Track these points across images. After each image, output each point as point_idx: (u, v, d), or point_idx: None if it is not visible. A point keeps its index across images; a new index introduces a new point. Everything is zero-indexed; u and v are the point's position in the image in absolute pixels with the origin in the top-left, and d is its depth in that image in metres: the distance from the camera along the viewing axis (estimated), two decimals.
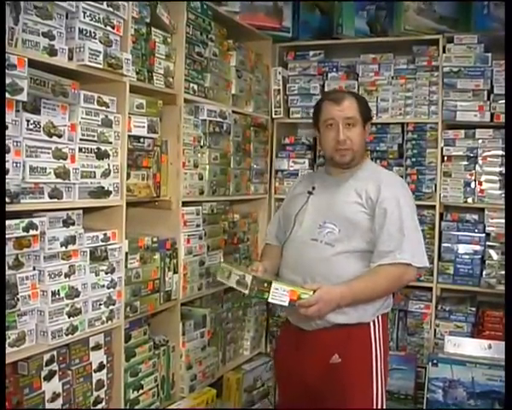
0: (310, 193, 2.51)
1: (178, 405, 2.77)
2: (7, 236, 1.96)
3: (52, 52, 2.13)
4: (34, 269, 2.14)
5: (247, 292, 2.15)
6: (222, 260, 3.35)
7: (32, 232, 2.06)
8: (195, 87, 3.09)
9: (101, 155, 2.39)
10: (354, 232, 2.35)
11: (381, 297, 2.36)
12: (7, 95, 1.90)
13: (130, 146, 2.59)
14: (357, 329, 2.33)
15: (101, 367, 2.47)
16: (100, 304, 2.41)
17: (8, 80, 1.89)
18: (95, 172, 2.36)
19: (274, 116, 3.95)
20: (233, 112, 3.44)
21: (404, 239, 2.28)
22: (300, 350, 2.39)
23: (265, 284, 2.12)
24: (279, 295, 2.12)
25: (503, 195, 3.39)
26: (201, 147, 3.16)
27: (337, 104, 2.42)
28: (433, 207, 3.62)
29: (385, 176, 2.47)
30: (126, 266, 2.59)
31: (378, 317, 2.37)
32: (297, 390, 2.45)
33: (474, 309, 3.54)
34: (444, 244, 3.60)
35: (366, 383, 2.33)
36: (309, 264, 2.38)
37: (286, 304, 2.14)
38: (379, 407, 2.33)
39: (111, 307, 2.46)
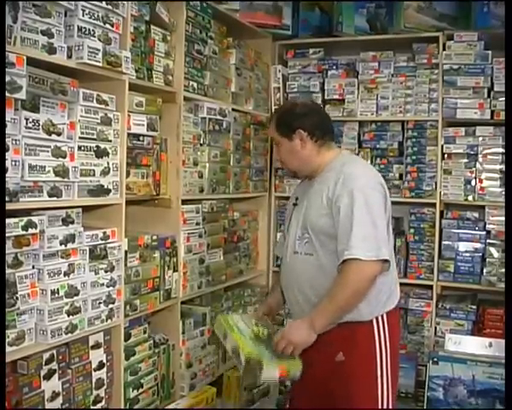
0: (294, 205, 2.51)
1: (178, 403, 2.76)
2: (6, 234, 1.95)
3: (51, 50, 2.12)
4: (33, 268, 2.14)
5: (241, 371, 2.26)
6: (221, 258, 3.35)
7: (31, 231, 2.05)
8: (195, 85, 3.08)
9: (101, 154, 2.39)
10: (325, 237, 2.30)
11: (355, 300, 2.24)
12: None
13: (129, 144, 2.59)
14: (359, 327, 2.31)
15: (100, 366, 2.47)
16: (99, 303, 2.40)
17: (6, 78, 1.88)
18: (94, 171, 2.35)
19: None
20: (233, 110, 3.44)
21: (351, 234, 2.18)
22: (307, 349, 2.38)
23: (258, 365, 2.17)
24: (270, 373, 2.18)
25: (504, 192, 3.39)
26: (201, 145, 3.15)
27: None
28: (434, 204, 3.61)
29: (345, 170, 2.32)
30: (126, 265, 2.59)
31: (383, 315, 2.36)
32: (306, 388, 2.45)
33: (474, 307, 3.54)
34: (444, 242, 3.60)
35: (371, 382, 2.31)
36: (296, 277, 2.39)
37: (277, 380, 2.36)
38: (384, 405, 2.32)
39: (110, 306, 2.46)
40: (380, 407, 2.32)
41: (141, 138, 2.69)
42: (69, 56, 2.21)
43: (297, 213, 2.46)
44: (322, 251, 2.31)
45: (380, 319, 2.35)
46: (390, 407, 2.34)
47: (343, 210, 2.22)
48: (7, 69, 1.88)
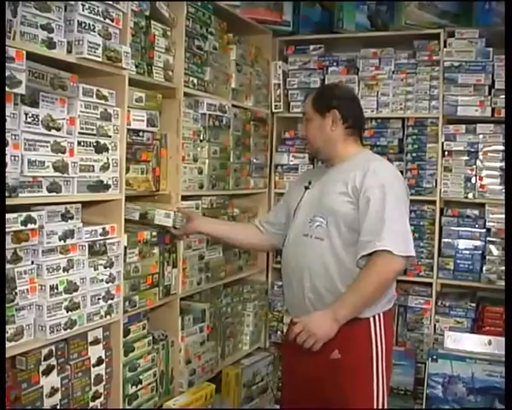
0: (306, 188, 2.51)
1: (177, 400, 2.75)
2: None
3: (51, 45, 2.11)
4: (32, 263, 2.13)
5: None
6: (221, 254, 3.35)
7: (30, 226, 2.04)
8: (195, 81, 3.07)
9: (100, 149, 2.38)
10: (342, 224, 2.32)
11: (379, 293, 2.28)
12: None
13: (129, 140, 2.58)
14: (356, 325, 2.31)
15: (99, 362, 2.46)
16: (98, 298, 2.40)
17: (6, 73, 1.88)
18: (93, 166, 2.34)
19: (274, 110, 3.93)
20: (233, 106, 3.43)
21: (383, 227, 2.20)
22: (303, 346, 2.38)
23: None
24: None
25: (504, 190, 3.39)
26: (201, 141, 3.15)
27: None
28: (434, 202, 3.61)
29: (373, 164, 2.38)
30: (125, 261, 2.58)
31: (380, 314, 2.36)
32: (300, 386, 2.45)
33: (474, 305, 3.54)
34: (444, 240, 3.59)
35: (366, 379, 2.32)
36: (303, 260, 2.39)
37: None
38: (380, 403, 2.32)
39: (110, 302, 2.45)
40: (375, 405, 2.32)
41: (141, 134, 2.68)
42: (69, 51, 2.20)
43: (309, 196, 2.47)
44: (336, 237, 2.33)
45: (377, 317, 2.35)
46: (385, 406, 2.35)
47: (374, 202, 2.25)
48: (6, 64, 1.87)
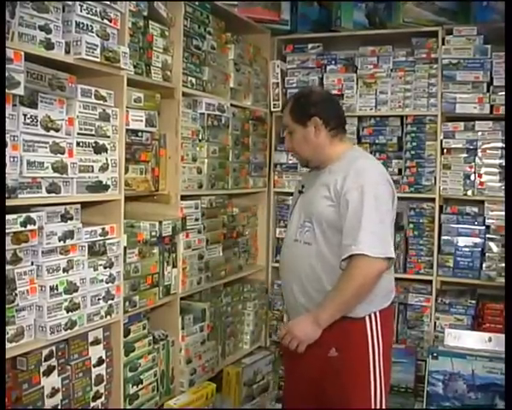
0: (300, 192, 2.51)
1: (178, 399, 2.76)
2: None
3: (49, 46, 2.11)
4: (32, 264, 2.14)
5: None
6: (221, 253, 3.35)
7: (29, 227, 2.05)
8: (193, 80, 3.07)
9: (99, 150, 2.38)
10: (328, 227, 2.31)
11: (359, 295, 2.25)
12: None
13: (128, 140, 2.58)
14: (351, 323, 2.31)
15: (100, 362, 2.47)
16: (99, 299, 2.40)
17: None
18: (93, 167, 2.35)
19: (273, 109, 3.93)
20: (231, 105, 3.43)
21: (360, 230, 2.18)
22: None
23: None
24: None
25: (503, 187, 3.39)
26: (200, 141, 3.15)
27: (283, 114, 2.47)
28: (433, 199, 3.61)
29: (356, 164, 2.33)
30: (125, 261, 2.58)
31: (376, 312, 2.35)
32: (302, 384, 2.45)
33: (474, 302, 3.54)
34: (443, 237, 3.59)
35: (364, 378, 2.31)
36: (294, 265, 2.40)
37: None
38: (378, 402, 2.32)
39: (110, 302, 2.46)
40: (373, 405, 2.32)
41: (139, 134, 2.68)
42: (67, 52, 2.20)
43: (302, 201, 2.47)
44: (323, 242, 2.32)
45: (373, 316, 2.35)
46: (383, 405, 2.34)
47: (352, 205, 2.23)
48: None
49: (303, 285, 2.37)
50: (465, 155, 3.55)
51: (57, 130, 2.15)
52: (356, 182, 2.25)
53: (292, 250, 2.42)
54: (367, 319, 2.33)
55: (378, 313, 2.36)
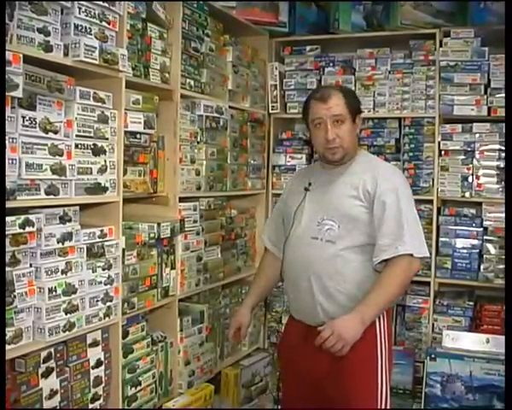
0: (306, 189, 2.49)
1: (176, 401, 2.76)
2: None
3: (47, 48, 2.12)
4: (31, 266, 2.14)
5: None
6: (219, 255, 3.36)
7: (28, 229, 2.05)
8: (192, 82, 3.08)
9: (98, 152, 2.38)
10: (354, 227, 2.34)
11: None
12: None
13: (126, 142, 2.58)
14: None
15: (98, 364, 2.47)
16: (97, 300, 2.40)
17: None
18: (91, 169, 2.35)
19: (271, 111, 3.94)
20: (230, 107, 3.43)
21: (403, 231, 2.27)
22: (307, 344, 2.37)
23: None
24: None
25: (501, 188, 3.40)
26: (198, 142, 3.15)
27: (324, 103, 2.37)
28: (431, 201, 3.61)
29: (382, 168, 2.44)
30: (123, 263, 2.58)
31: (384, 313, 2.36)
32: (303, 384, 2.44)
33: (471, 303, 3.54)
34: (441, 239, 3.60)
35: (370, 378, 2.31)
36: (312, 263, 2.37)
37: None
38: (383, 403, 2.32)
39: (108, 304, 2.46)
40: (379, 405, 2.32)
41: (138, 136, 2.68)
42: (66, 54, 2.21)
43: (313, 197, 2.46)
44: (348, 240, 2.34)
45: (381, 317, 2.36)
46: (388, 405, 2.35)
47: (390, 207, 2.30)
48: None
49: (322, 283, 2.34)
50: (463, 156, 3.56)
51: (56, 132, 2.16)
52: (389, 184, 2.34)
53: (308, 248, 2.39)
54: (376, 319, 2.34)
55: (385, 314, 2.37)
